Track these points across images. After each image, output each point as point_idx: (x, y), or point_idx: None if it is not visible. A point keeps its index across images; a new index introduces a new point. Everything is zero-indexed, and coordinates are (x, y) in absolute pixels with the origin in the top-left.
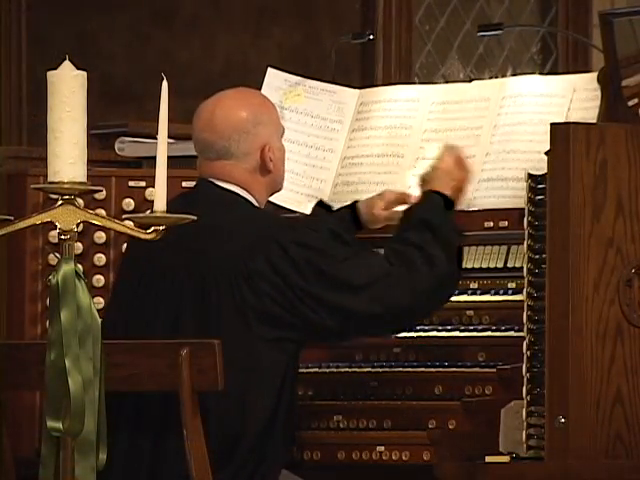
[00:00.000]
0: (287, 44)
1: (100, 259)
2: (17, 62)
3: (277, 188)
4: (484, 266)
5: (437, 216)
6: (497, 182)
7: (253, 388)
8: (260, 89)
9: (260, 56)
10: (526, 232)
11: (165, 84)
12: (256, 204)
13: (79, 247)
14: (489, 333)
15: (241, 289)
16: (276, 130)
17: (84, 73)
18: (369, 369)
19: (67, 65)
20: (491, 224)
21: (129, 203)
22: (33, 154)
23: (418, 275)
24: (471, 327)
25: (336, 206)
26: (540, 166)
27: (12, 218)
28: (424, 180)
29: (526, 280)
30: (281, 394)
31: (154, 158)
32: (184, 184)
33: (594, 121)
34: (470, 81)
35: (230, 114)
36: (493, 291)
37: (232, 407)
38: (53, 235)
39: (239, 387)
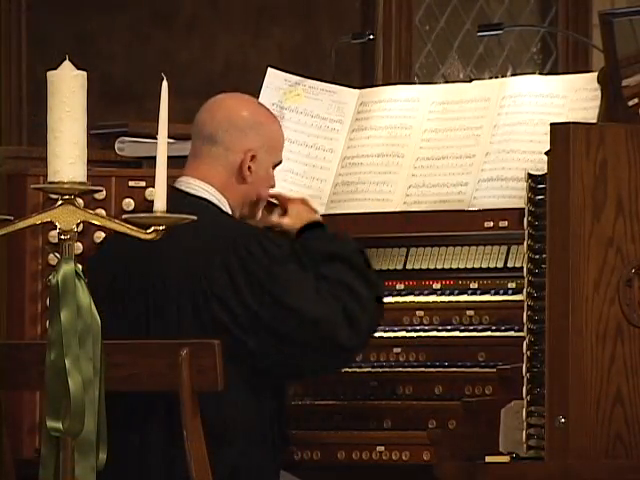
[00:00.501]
0: (287, 44)
1: None
2: (17, 62)
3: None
4: (484, 266)
5: (335, 245)
6: (497, 182)
7: (225, 397)
8: (260, 89)
9: (260, 56)
10: (526, 232)
11: (165, 84)
12: (227, 209)
13: (79, 247)
14: (489, 333)
15: (197, 298)
16: (270, 150)
17: (84, 73)
18: (369, 369)
19: (67, 65)
20: (491, 224)
21: (129, 203)
22: (33, 154)
23: (354, 311)
24: (471, 327)
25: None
26: (540, 166)
27: (12, 218)
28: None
29: (526, 280)
30: (261, 405)
31: (154, 158)
32: None
33: (594, 121)
34: (470, 81)
35: (234, 107)
36: (493, 291)
37: (209, 413)
38: (53, 235)
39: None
